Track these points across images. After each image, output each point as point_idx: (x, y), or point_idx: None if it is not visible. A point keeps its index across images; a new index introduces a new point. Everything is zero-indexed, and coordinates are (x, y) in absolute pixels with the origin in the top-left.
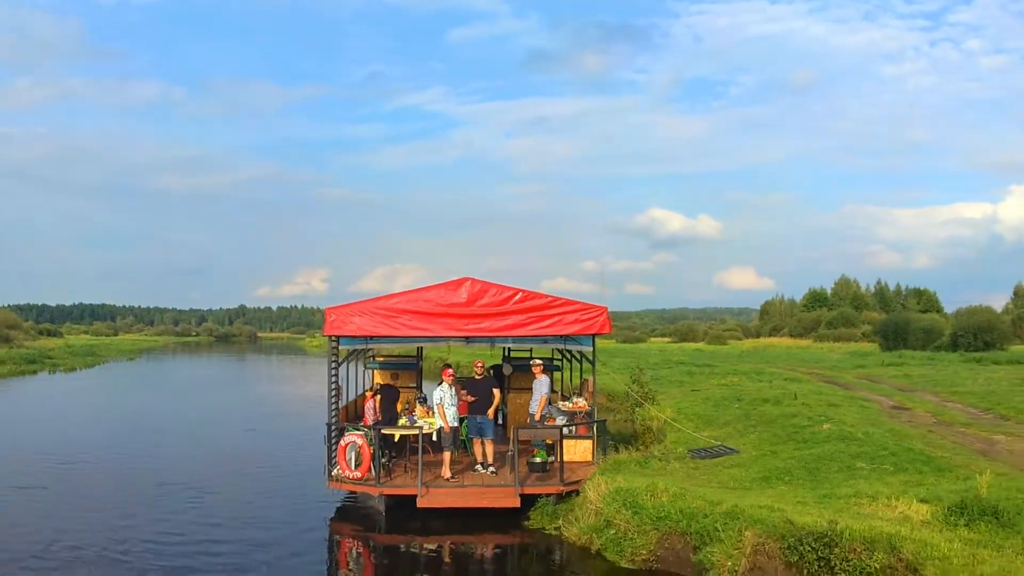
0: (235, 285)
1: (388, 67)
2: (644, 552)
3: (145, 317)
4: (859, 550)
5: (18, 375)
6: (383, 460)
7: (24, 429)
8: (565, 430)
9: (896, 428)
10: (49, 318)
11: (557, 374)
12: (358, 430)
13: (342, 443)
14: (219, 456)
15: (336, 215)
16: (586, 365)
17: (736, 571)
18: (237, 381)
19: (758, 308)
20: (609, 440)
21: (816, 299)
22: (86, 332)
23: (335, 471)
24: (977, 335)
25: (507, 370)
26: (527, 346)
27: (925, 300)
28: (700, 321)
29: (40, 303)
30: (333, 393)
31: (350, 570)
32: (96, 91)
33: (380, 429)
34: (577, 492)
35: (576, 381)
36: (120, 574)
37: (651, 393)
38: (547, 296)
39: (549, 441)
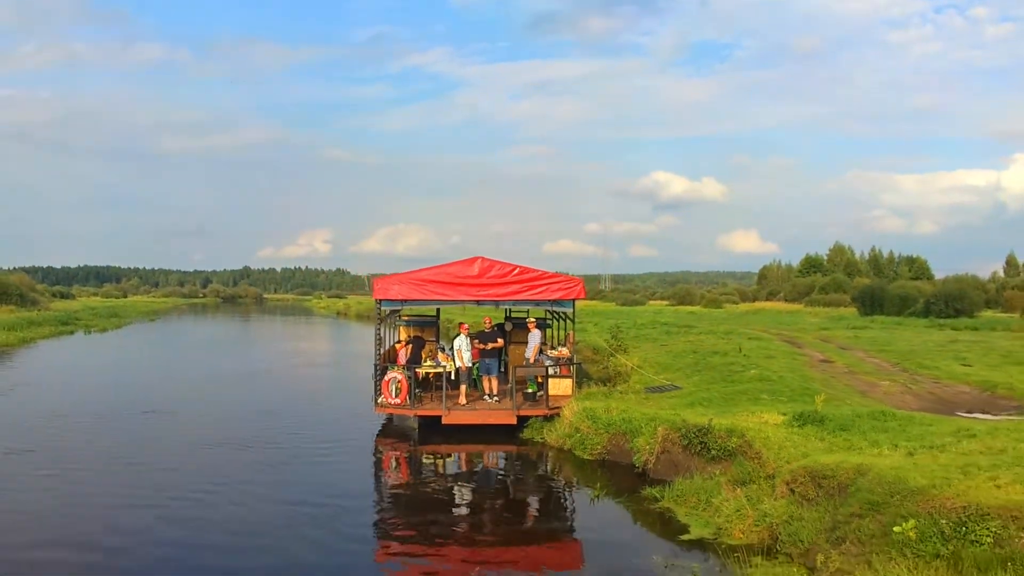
0: (238, 247)
1: (392, 28)
2: (599, 448)
3: (150, 279)
4: (723, 436)
5: (57, 335)
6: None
7: (119, 378)
8: (551, 370)
9: (808, 374)
10: (55, 280)
11: (549, 331)
12: (398, 369)
13: (385, 379)
14: (282, 394)
15: (339, 177)
16: (569, 323)
17: (652, 452)
18: (263, 339)
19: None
20: (585, 379)
21: (812, 265)
22: (95, 294)
23: (380, 399)
24: (948, 302)
25: (508, 327)
26: (524, 308)
27: (916, 267)
28: (702, 285)
29: (46, 265)
30: (378, 343)
31: (393, 471)
32: (99, 54)
33: (414, 368)
34: (558, 415)
35: (562, 335)
36: (249, 455)
37: (624, 346)
38: (538, 270)
39: (540, 380)
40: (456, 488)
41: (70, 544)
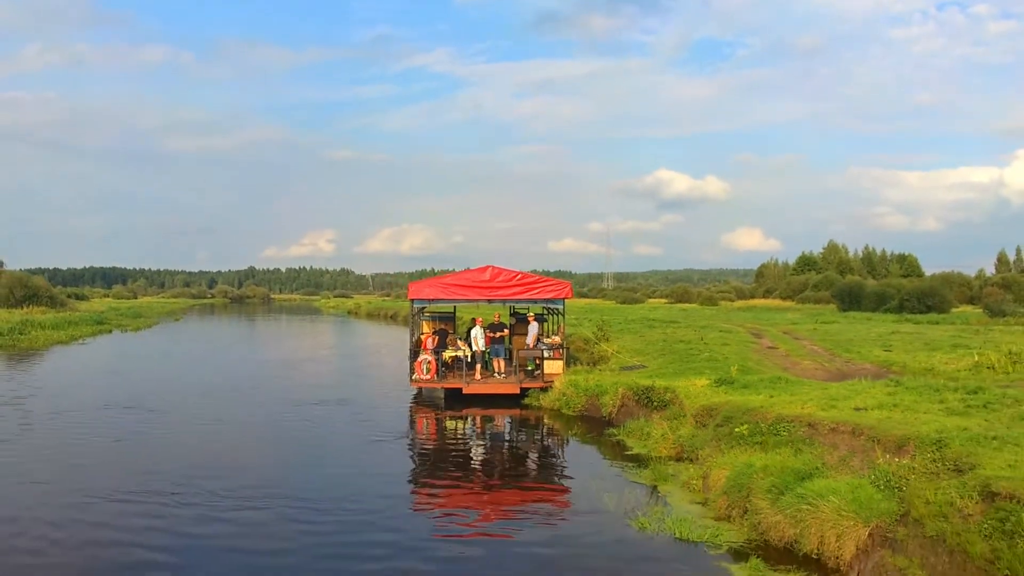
0: (242, 247)
1: (395, 29)
2: (580, 406)
3: (155, 279)
4: (661, 392)
5: (97, 334)
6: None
7: (198, 366)
8: (546, 353)
9: (749, 356)
10: (61, 281)
11: (545, 324)
12: (428, 352)
13: (418, 360)
14: (334, 374)
15: (343, 177)
16: (560, 317)
17: (615, 406)
18: (291, 335)
19: None
20: (574, 361)
21: (806, 263)
22: (106, 295)
23: (414, 376)
24: (920, 299)
25: (512, 320)
26: (525, 305)
27: (907, 265)
28: (705, 282)
29: (52, 267)
30: (412, 334)
31: (424, 429)
32: (105, 56)
33: (440, 353)
34: (551, 386)
35: (555, 327)
36: (342, 410)
37: (607, 336)
38: (536, 275)
39: (537, 361)
40: (473, 440)
41: (267, 440)
